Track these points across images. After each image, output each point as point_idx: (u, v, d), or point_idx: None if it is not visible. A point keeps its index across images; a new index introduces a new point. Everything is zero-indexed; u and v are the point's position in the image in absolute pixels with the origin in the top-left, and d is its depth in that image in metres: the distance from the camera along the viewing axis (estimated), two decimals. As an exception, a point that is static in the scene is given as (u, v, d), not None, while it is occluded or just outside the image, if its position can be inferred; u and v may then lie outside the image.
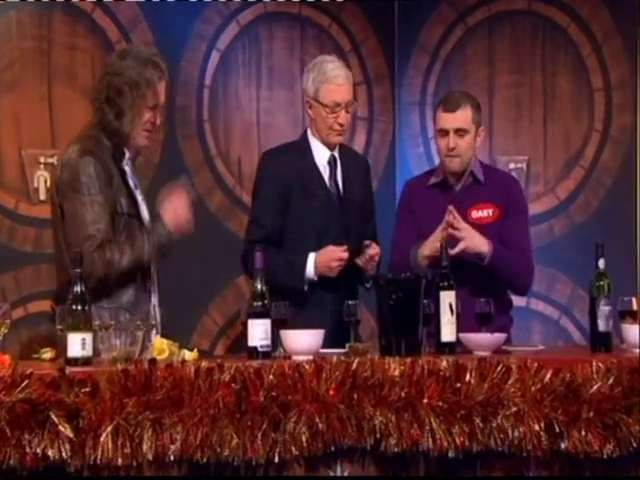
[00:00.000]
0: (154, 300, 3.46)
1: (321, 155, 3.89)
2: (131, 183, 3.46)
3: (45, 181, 4.50)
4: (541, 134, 5.21)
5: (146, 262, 3.36)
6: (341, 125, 3.83)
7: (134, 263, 3.32)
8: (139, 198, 3.49)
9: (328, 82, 3.82)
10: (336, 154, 3.91)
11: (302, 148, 3.90)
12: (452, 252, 3.51)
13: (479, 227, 3.76)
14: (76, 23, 4.65)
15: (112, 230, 3.33)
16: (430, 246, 3.69)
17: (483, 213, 3.81)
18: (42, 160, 4.52)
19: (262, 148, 4.91)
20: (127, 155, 3.47)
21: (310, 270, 3.72)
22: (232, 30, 5.00)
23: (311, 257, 3.73)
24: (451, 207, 3.69)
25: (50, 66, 4.62)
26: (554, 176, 5.20)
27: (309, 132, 3.92)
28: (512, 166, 5.09)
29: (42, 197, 4.46)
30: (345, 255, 3.69)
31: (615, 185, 5.08)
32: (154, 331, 3.20)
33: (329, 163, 3.89)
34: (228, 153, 4.99)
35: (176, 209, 3.41)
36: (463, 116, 3.77)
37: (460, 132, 3.77)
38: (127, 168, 3.46)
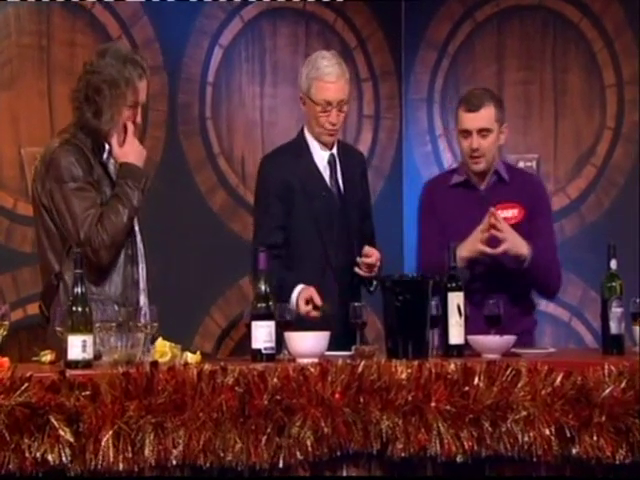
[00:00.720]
0: (142, 285, 3.45)
1: (320, 155, 3.88)
2: (114, 176, 3.46)
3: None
4: (551, 132, 5.21)
5: (138, 208, 3.39)
6: (332, 124, 3.81)
7: (130, 214, 3.36)
8: None
9: (319, 79, 3.80)
10: (335, 152, 3.90)
11: (300, 149, 3.89)
12: (494, 252, 3.52)
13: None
14: (75, 19, 4.65)
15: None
16: (469, 247, 3.69)
17: (508, 213, 3.81)
18: (41, 159, 4.53)
19: (266, 146, 4.92)
20: (107, 149, 3.47)
21: (293, 303, 3.67)
22: (235, 26, 5.00)
23: (295, 291, 3.69)
24: (492, 209, 3.69)
25: (49, 63, 4.62)
26: (565, 175, 5.20)
27: (306, 130, 3.91)
28: (522, 165, 5.08)
29: (41, 196, 4.46)
30: (309, 309, 3.64)
31: (627, 184, 5.08)
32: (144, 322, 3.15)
33: (329, 163, 3.89)
34: (231, 151, 4.99)
35: (125, 143, 3.42)
36: (486, 115, 3.77)
37: (483, 132, 3.76)
38: (110, 162, 3.47)
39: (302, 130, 3.93)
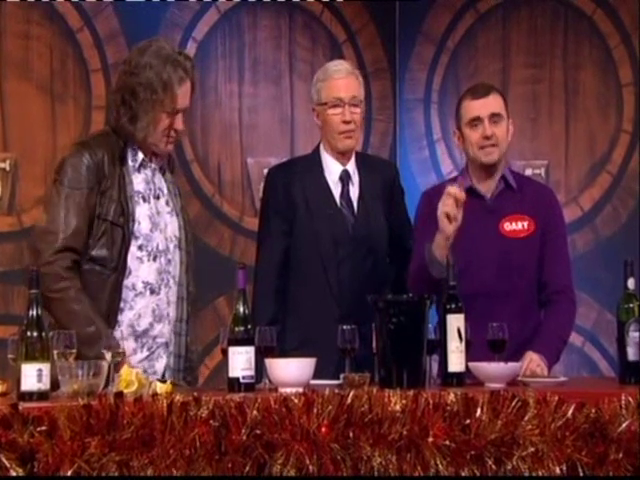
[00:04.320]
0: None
1: (332, 171, 3.93)
2: (132, 189, 3.46)
3: (-3, 189, 4.53)
4: (562, 135, 5.25)
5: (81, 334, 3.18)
6: (346, 123, 3.85)
7: (75, 324, 3.24)
8: (142, 208, 3.48)
9: (328, 79, 3.88)
10: (350, 168, 3.94)
11: (312, 163, 3.95)
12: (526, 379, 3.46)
13: (512, 241, 3.78)
14: (31, 8, 4.67)
15: (83, 235, 3.38)
16: (440, 227, 3.64)
17: (517, 226, 3.82)
18: (-7, 165, 4.54)
19: (245, 151, 4.93)
20: (140, 159, 3.50)
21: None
22: (211, 18, 5.03)
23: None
24: (451, 187, 3.62)
25: (1, 57, 4.63)
26: (577, 184, 5.23)
27: (321, 146, 3.97)
28: (529, 172, 5.11)
29: (-6, 208, 4.49)
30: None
31: (646, 194, 5.12)
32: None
33: (341, 179, 3.93)
34: (206, 157, 5.01)
35: None
36: (496, 101, 3.81)
37: (495, 118, 3.79)
38: (137, 174, 3.49)
39: (318, 145, 3.98)
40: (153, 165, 3.54)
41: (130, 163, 3.49)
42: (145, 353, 3.47)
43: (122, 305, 3.43)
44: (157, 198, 3.54)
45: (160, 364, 3.50)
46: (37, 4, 4.68)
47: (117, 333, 3.27)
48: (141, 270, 3.45)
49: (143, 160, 3.50)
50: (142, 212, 3.47)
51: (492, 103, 3.80)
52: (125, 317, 3.44)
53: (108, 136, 3.48)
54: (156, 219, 3.51)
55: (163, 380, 3.08)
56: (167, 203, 3.56)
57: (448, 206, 3.59)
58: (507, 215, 3.81)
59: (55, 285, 3.33)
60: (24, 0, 4.66)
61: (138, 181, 3.49)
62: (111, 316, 3.41)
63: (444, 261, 3.58)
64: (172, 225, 3.55)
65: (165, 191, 3.57)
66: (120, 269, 3.42)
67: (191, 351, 3.58)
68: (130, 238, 3.43)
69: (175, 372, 3.53)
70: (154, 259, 3.48)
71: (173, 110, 3.45)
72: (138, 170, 3.50)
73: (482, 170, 3.84)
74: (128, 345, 3.38)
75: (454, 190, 3.60)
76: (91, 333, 3.19)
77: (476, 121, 3.79)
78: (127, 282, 3.43)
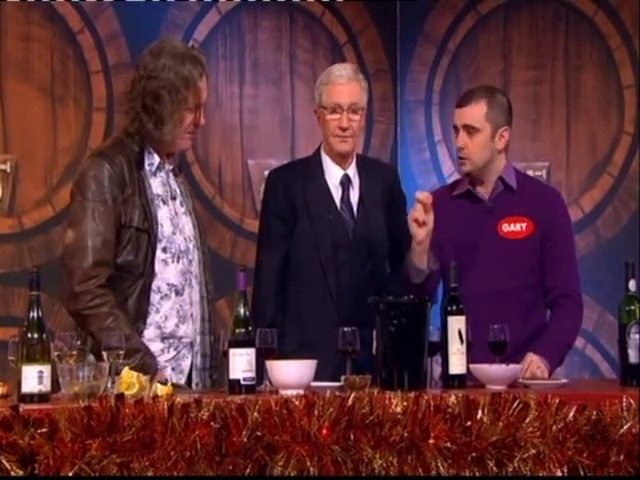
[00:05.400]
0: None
1: (333, 175, 3.93)
2: (152, 193, 3.47)
3: (-3, 191, 4.53)
4: (563, 137, 5.25)
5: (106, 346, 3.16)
6: (343, 129, 3.85)
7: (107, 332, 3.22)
8: (163, 211, 3.49)
9: (330, 84, 3.88)
10: (351, 173, 3.94)
11: (312, 166, 3.95)
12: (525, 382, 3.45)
13: (510, 242, 3.78)
14: (31, 9, 4.67)
15: (112, 246, 3.38)
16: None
17: (515, 227, 3.81)
18: (-7, 167, 4.55)
19: (245, 153, 4.94)
20: (156, 162, 3.50)
21: None
22: (211, 18, 5.03)
23: None
24: (421, 193, 3.65)
25: (1, 58, 4.64)
26: (578, 185, 5.23)
27: (322, 148, 3.97)
28: (530, 174, 5.10)
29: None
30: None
31: (648, 196, 5.12)
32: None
33: (342, 183, 3.93)
34: (207, 159, 5.01)
35: None
36: (472, 112, 3.76)
37: (469, 129, 3.77)
38: (154, 177, 3.50)
39: (319, 148, 3.98)
40: (167, 167, 3.55)
41: (147, 167, 3.50)
42: (172, 353, 3.49)
43: (149, 308, 3.44)
44: (174, 199, 3.56)
45: (186, 363, 3.51)
46: (37, 5, 4.68)
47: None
48: (166, 272, 3.47)
49: (159, 163, 3.51)
50: (163, 215, 3.49)
51: (468, 113, 3.77)
52: (152, 320, 3.45)
53: (123, 143, 3.48)
54: (175, 220, 3.53)
55: (164, 382, 3.08)
56: (181, 204, 3.58)
57: (417, 211, 3.62)
58: (505, 216, 3.81)
59: (89, 303, 3.34)
60: (24, 1, 4.66)
61: (156, 184, 3.51)
62: (139, 321, 3.42)
63: (423, 267, 3.62)
64: (188, 225, 3.57)
65: (178, 192, 3.58)
66: (147, 273, 3.43)
67: (216, 349, 3.59)
68: (156, 242, 3.44)
69: (202, 371, 3.55)
70: (177, 260, 3.49)
71: (196, 106, 3.46)
72: (154, 174, 3.51)
73: (467, 176, 3.86)
74: (155, 347, 3.41)
75: (422, 196, 3.63)
76: (127, 349, 3.17)
77: (455, 129, 3.81)
78: (153, 285, 3.45)
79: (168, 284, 3.47)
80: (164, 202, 3.51)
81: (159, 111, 3.42)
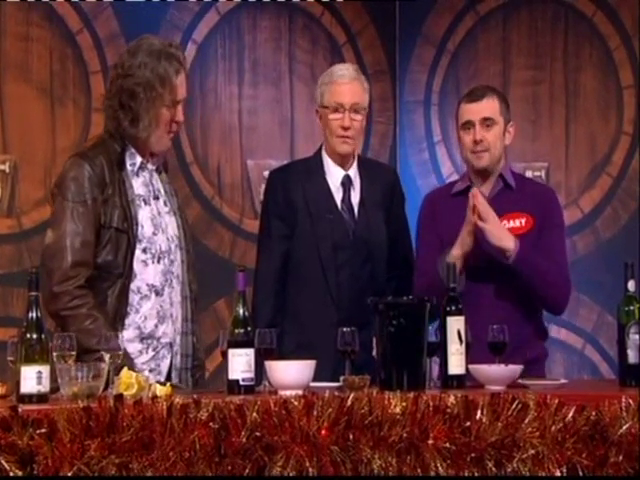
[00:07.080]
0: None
1: (334, 175, 3.93)
2: (133, 193, 3.47)
3: (-4, 191, 4.53)
4: (562, 138, 5.25)
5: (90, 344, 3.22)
6: (344, 129, 3.85)
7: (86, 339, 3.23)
8: (144, 211, 3.49)
9: (332, 83, 3.89)
10: (352, 173, 3.94)
11: (313, 166, 3.95)
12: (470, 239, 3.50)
13: None
14: (30, 10, 4.67)
15: (92, 247, 3.38)
16: (460, 242, 3.71)
17: (515, 223, 3.83)
18: (-8, 167, 4.55)
19: (244, 153, 4.94)
20: (138, 162, 3.50)
21: None
22: (210, 19, 5.03)
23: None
24: (475, 189, 3.74)
25: (0, 59, 4.64)
26: (577, 186, 5.23)
27: (323, 148, 3.98)
28: (529, 174, 5.11)
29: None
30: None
31: (647, 196, 5.12)
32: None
33: (343, 184, 3.93)
34: (206, 159, 5.01)
35: None
36: (489, 106, 3.83)
37: (487, 122, 3.81)
38: (136, 177, 3.50)
39: (320, 148, 3.98)
40: (150, 166, 3.55)
41: (129, 167, 3.49)
42: (151, 354, 3.48)
43: (128, 309, 3.44)
44: (156, 199, 3.55)
45: (165, 364, 3.50)
46: (36, 5, 4.68)
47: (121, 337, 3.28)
48: (146, 273, 3.46)
49: (141, 163, 3.51)
50: (144, 215, 3.48)
51: (485, 107, 3.82)
52: (131, 320, 3.45)
53: (104, 143, 3.48)
54: (157, 220, 3.52)
55: (163, 383, 3.08)
56: (165, 203, 3.57)
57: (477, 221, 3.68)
58: (506, 213, 3.83)
59: (68, 304, 3.34)
60: (24, 1, 4.66)
61: (138, 184, 3.50)
62: (118, 321, 3.41)
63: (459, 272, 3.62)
64: (172, 225, 3.56)
65: (162, 191, 3.58)
66: (126, 274, 3.42)
67: (198, 349, 3.59)
68: (135, 242, 3.44)
69: (182, 371, 3.54)
70: (158, 261, 3.49)
71: (173, 103, 3.46)
72: (137, 174, 3.50)
73: (475, 173, 3.87)
74: (134, 347, 3.40)
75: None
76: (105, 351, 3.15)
77: (468, 125, 3.82)
78: (132, 286, 3.44)
79: (148, 285, 3.46)
80: (146, 202, 3.50)
81: (135, 108, 3.42)
